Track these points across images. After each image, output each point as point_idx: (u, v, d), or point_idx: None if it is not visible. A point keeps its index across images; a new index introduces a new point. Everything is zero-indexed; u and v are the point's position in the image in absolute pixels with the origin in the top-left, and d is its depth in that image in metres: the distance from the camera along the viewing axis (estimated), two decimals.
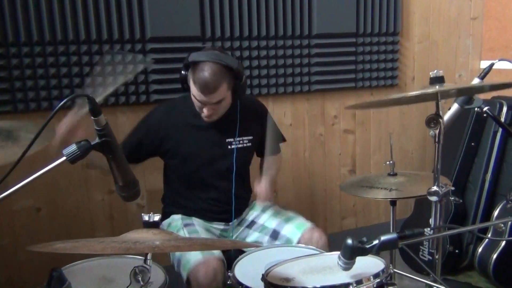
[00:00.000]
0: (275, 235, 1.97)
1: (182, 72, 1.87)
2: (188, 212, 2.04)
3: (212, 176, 2.02)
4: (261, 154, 2.14)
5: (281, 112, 2.83)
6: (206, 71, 1.74)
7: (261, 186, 1.94)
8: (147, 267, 1.16)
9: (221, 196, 2.03)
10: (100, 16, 2.31)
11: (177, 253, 1.83)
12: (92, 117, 1.02)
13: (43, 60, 2.24)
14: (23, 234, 2.35)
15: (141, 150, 1.98)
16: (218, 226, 2.07)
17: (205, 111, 1.86)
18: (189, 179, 2.03)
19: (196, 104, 1.88)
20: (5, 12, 2.14)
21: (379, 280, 1.31)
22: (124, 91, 2.41)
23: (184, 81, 1.87)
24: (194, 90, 1.81)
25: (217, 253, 1.77)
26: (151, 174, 2.40)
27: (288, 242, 1.92)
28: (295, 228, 1.94)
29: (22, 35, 2.18)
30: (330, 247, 1.90)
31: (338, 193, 3.09)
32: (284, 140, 2.31)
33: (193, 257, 1.74)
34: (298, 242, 1.90)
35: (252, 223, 2.08)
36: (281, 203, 2.89)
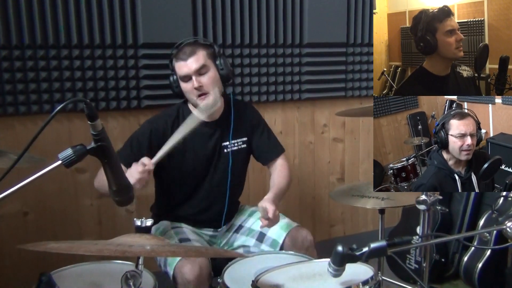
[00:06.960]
0: (261, 237, 1.97)
1: (170, 78, 1.95)
2: (178, 219, 2.04)
3: (208, 182, 2.01)
4: (263, 160, 2.11)
5: (272, 120, 2.84)
6: (185, 45, 1.91)
7: (271, 208, 1.77)
8: (139, 272, 1.16)
9: (214, 203, 2.03)
10: (93, 21, 2.31)
11: None
12: (88, 122, 1.02)
13: (34, 63, 2.23)
14: (9, 238, 2.32)
15: (143, 154, 1.87)
16: (207, 232, 2.07)
17: (195, 83, 1.85)
18: (184, 186, 2.02)
19: (185, 87, 1.89)
20: None
21: (368, 287, 1.33)
22: (115, 96, 2.41)
23: (173, 85, 1.94)
24: (179, 67, 1.88)
25: None
26: None
27: (273, 244, 1.92)
28: (280, 229, 1.93)
29: (14, 38, 2.18)
30: (319, 255, 1.92)
31: (326, 201, 3.11)
32: (283, 150, 2.15)
33: None
34: (284, 243, 1.89)
35: (240, 227, 2.09)
36: None
